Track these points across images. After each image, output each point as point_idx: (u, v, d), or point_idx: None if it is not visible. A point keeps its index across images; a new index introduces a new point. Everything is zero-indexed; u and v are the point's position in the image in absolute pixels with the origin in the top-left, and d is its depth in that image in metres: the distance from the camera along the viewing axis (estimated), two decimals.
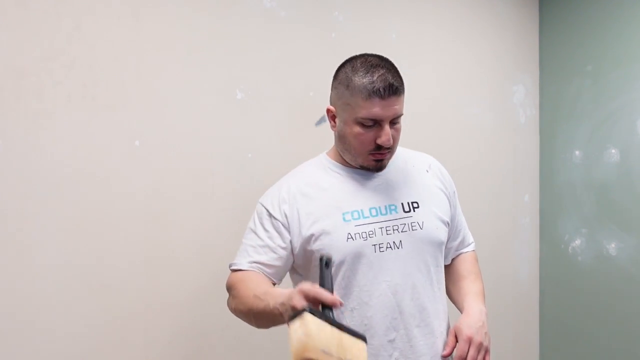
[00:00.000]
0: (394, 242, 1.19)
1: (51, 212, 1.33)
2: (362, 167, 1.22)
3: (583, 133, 2.38)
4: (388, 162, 1.23)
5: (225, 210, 1.62)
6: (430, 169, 1.33)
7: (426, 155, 1.39)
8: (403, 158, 1.30)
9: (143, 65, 1.46)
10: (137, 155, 1.46)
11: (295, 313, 0.87)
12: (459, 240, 1.38)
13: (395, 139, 1.18)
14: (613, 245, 2.28)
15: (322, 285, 0.95)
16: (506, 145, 2.43)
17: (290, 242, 1.20)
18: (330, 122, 1.24)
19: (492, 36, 2.36)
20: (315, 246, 1.17)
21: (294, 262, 1.23)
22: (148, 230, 1.48)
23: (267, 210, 1.22)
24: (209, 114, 1.58)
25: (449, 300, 1.34)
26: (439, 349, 1.22)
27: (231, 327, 1.63)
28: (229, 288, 1.22)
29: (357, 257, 1.17)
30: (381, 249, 1.18)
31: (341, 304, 0.94)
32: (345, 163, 1.25)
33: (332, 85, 1.22)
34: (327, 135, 1.83)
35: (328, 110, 1.23)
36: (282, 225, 1.20)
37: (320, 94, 1.82)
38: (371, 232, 1.18)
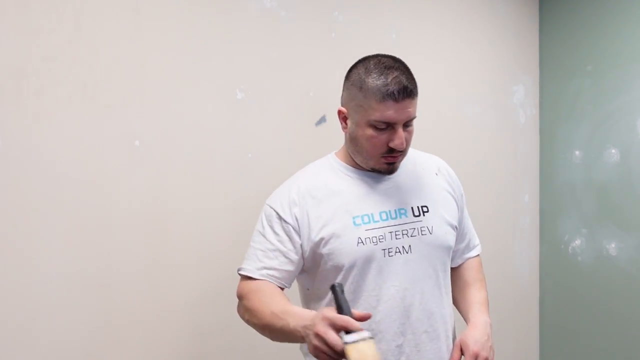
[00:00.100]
0: (403, 246, 1.18)
1: (51, 212, 1.33)
2: (373, 170, 1.21)
3: (583, 133, 2.38)
4: (399, 164, 1.22)
5: (225, 210, 1.62)
6: (439, 172, 1.32)
7: (435, 157, 1.38)
8: (412, 160, 1.29)
9: (143, 65, 1.46)
10: (137, 155, 1.46)
11: (355, 338, 0.91)
12: (465, 242, 1.38)
13: (407, 142, 1.16)
14: (613, 245, 2.28)
15: (340, 311, 0.96)
16: (506, 145, 2.43)
17: (301, 245, 1.18)
18: (341, 123, 1.21)
19: (492, 36, 2.36)
20: (325, 250, 1.16)
21: (303, 264, 1.21)
22: (148, 230, 1.48)
23: (277, 213, 1.20)
24: (209, 114, 1.58)
25: (454, 305, 1.34)
26: (444, 354, 1.22)
27: (231, 328, 1.63)
28: (241, 297, 1.20)
29: (367, 261, 1.16)
30: (390, 254, 1.17)
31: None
32: (355, 165, 1.23)
33: (344, 86, 1.20)
34: (327, 135, 1.84)
35: (339, 112, 1.20)
36: (293, 228, 1.18)
37: (320, 94, 1.82)
38: (381, 237, 1.17)
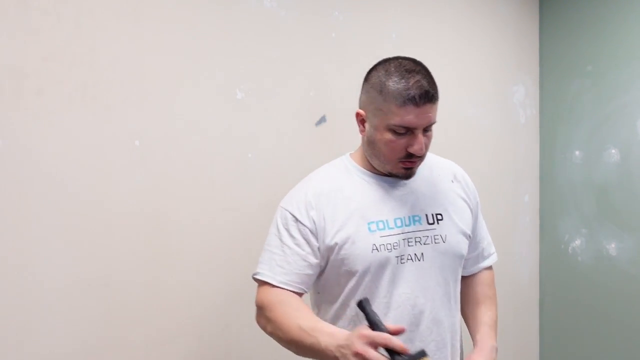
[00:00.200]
0: (415, 254, 1.17)
1: (51, 212, 1.33)
2: (390, 174, 1.19)
3: (583, 133, 2.38)
4: (417, 169, 1.19)
5: (225, 210, 1.62)
6: (455, 178, 1.30)
7: (451, 162, 1.36)
8: (429, 165, 1.26)
9: (143, 65, 1.46)
10: (137, 155, 1.46)
11: (411, 356, 0.92)
12: (478, 251, 1.36)
13: (426, 147, 1.14)
14: (613, 245, 2.28)
15: (374, 327, 0.95)
16: (506, 145, 2.43)
17: (318, 248, 1.16)
18: (358, 126, 1.19)
19: (492, 36, 2.36)
20: (339, 255, 1.15)
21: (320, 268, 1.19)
22: (148, 230, 1.48)
23: (294, 216, 1.17)
24: (209, 114, 1.58)
25: (462, 317, 1.33)
26: None
27: (231, 327, 1.63)
28: (262, 307, 1.16)
29: (380, 268, 1.14)
30: (402, 261, 1.16)
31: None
32: (371, 169, 1.21)
33: (363, 88, 1.17)
34: (327, 135, 1.84)
35: (357, 114, 1.18)
36: (310, 231, 1.15)
37: (320, 94, 1.82)
38: (395, 244, 1.15)
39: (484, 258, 1.38)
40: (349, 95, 1.90)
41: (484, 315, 1.30)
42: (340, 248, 1.14)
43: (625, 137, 2.24)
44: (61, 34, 1.34)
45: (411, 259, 1.16)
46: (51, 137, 1.33)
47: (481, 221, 1.36)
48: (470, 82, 2.28)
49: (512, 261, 2.47)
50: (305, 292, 1.18)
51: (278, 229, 1.18)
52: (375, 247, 1.14)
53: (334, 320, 1.19)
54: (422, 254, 1.17)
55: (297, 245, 1.15)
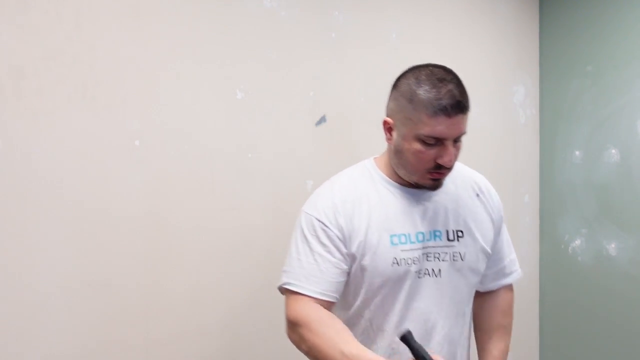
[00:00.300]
0: (432, 269, 1.16)
1: (51, 212, 1.33)
2: (417, 185, 1.15)
3: (583, 133, 2.38)
4: (444, 180, 1.16)
5: (225, 210, 1.62)
6: (480, 192, 1.27)
7: (476, 174, 1.32)
8: (453, 178, 1.23)
9: (143, 65, 1.46)
10: (137, 155, 1.46)
11: None
12: (499, 267, 1.32)
13: (455, 157, 1.11)
14: (613, 246, 2.28)
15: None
16: (506, 145, 2.43)
17: (347, 255, 1.13)
18: (385, 134, 1.16)
19: (492, 36, 2.36)
20: (360, 265, 1.13)
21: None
22: (148, 230, 1.48)
23: (322, 222, 1.13)
24: (209, 114, 1.58)
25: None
26: None
27: (231, 327, 1.63)
28: (296, 324, 1.10)
29: (398, 281, 1.13)
30: (420, 276, 1.15)
31: None
32: (396, 179, 1.18)
33: (391, 95, 1.14)
34: (327, 135, 1.84)
35: (385, 122, 1.15)
36: (339, 238, 1.12)
37: (320, 94, 1.82)
38: (416, 259, 1.14)
39: (505, 275, 1.33)
40: (349, 95, 1.90)
41: (495, 348, 1.28)
42: (362, 258, 1.12)
43: (625, 137, 2.24)
44: (61, 34, 1.34)
45: (428, 274, 1.15)
46: (51, 137, 1.33)
47: (504, 236, 1.32)
48: (470, 82, 2.25)
49: None
50: (337, 300, 1.14)
51: (305, 237, 1.14)
52: (396, 261, 1.12)
53: None
54: (439, 270, 1.16)
55: (329, 252, 1.11)
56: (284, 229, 1.74)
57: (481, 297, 1.32)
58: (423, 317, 1.15)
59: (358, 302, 1.17)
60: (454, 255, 1.17)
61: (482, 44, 2.32)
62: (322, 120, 1.82)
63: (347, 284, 1.16)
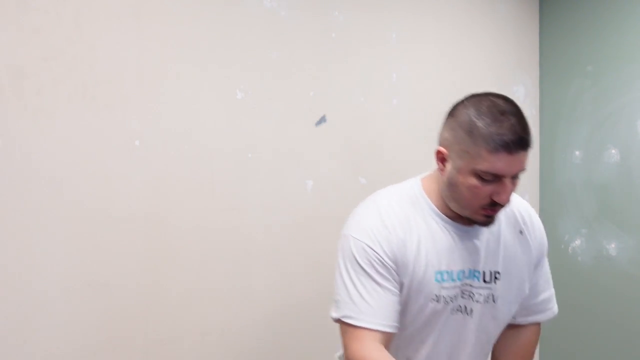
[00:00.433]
0: (465, 307, 1.14)
1: (51, 212, 1.33)
2: (468, 220, 1.09)
3: (583, 133, 2.38)
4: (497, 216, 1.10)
5: (225, 210, 1.62)
6: (525, 227, 1.20)
7: (522, 206, 1.23)
8: (499, 215, 1.14)
9: (143, 65, 1.46)
10: (137, 155, 1.46)
11: None
12: (532, 302, 1.25)
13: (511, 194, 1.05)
14: (613, 246, 2.28)
15: None
16: None
17: (399, 283, 1.09)
18: (438, 164, 1.09)
19: (492, 36, 2.36)
20: (402, 296, 1.10)
21: None
22: (148, 230, 1.48)
23: (376, 252, 1.06)
24: (209, 114, 1.58)
25: None
26: None
27: (232, 327, 1.63)
28: None
29: (434, 317, 1.12)
30: (453, 312, 1.13)
31: None
32: (446, 211, 1.11)
33: (447, 124, 1.08)
34: (327, 135, 1.84)
35: (438, 152, 1.07)
36: (393, 268, 1.07)
37: (320, 94, 1.82)
38: (453, 297, 1.12)
39: (535, 313, 1.27)
40: (348, 95, 1.90)
41: None
42: (407, 289, 1.09)
43: (625, 137, 2.24)
44: (61, 34, 1.34)
45: (461, 311, 1.14)
46: (51, 137, 1.33)
47: (544, 269, 1.26)
48: (470, 82, 2.27)
49: None
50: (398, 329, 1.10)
51: (360, 265, 1.06)
52: (436, 298, 1.10)
53: None
54: (471, 309, 1.14)
55: (386, 281, 1.06)
56: (284, 228, 1.74)
57: (505, 329, 1.25)
58: (446, 350, 1.14)
59: None
60: (487, 298, 1.14)
61: (482, 44, 2.32)
62: (322, 120, 1.82)
63: None
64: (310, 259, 1.79)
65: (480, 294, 1.14)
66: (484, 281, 1.14)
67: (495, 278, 1.14)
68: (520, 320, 1.26)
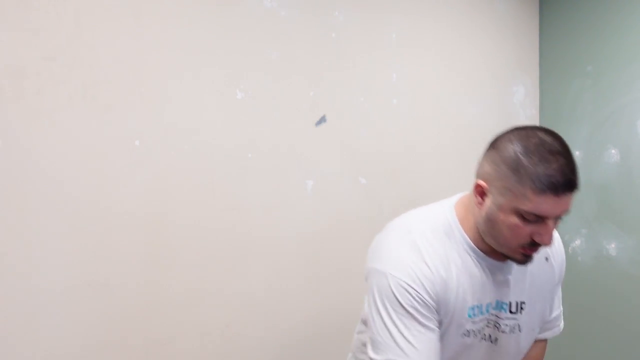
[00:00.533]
0: (490, 336, 1.13)
1: (51, 212, 1.33)
2: (502, 255, 1.06)
3: (583, 133, 2.38)
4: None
5: (225, 210, 1.62)
6: (550, 256, 1.19)
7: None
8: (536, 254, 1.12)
9: (143, 65, 1.47)
10: (137, 155, 1.46)
11: None
12: (545, 319, 1.26)
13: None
14: (613, 246, 2.28)
15: None
16: None
17: (438, 321, 1.06)
18: (475, 197, 1.04)
19: (492, 36, 2.36)
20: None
21: None
22: (147, 230, 1.48)
23: (419, 293, 1.02)
24: (209, 114, 1.59)
25: None
26: None
27: (232, 327, 1.63)
28: None
29: (464, 350, 1.11)
30: (479, 341, 1.13)
31: None
32: (482, 245, 1.07)
33: (490, 157, 1.02)
34: (327, 135, 1.84)
35: (477, 185, 1.03)
36: (435, 309, 1.04)
37: (320, 94, 1.82)
38: (482, 329, 1.11)
39: (545, 330, 1.27)
40: (348, 95, 1.90)
41: None
42: (444, 326, 1.07)
43: (625, 137, 2.24)
44: (61, 34, 1.34)
45: (485, 339, 1.13)
46: (51, 137, 1.33)
47: (558, 290, 1.28)
48: (470, 82, 2.27)
49: None
50: None
51: (403, 307, 1.01)
52: (466, 333, 1.09)
53: None
54: (496, 338, 1.14)
55: (430, 320, 1.03)
56: (284, 228, 1.74)
57: None
58: None
59: None
60: (513, 328, 1.14)
61: (482, 44, 2.32)
62: (322, 120, 1.82)
63: None
64: (310, 258, 1.80)
65: (507, 325, 1.12)
66: (510, 312, 1.12)
67: (521, 308, 1.13)
68: None
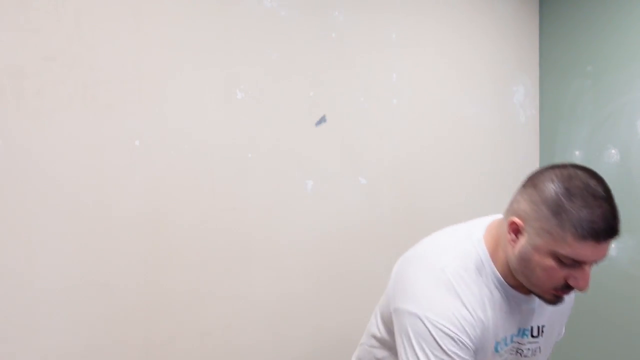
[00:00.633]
0: None
1: (51, 212, 1.33)
2: (534, 294, 1.04)
3: (583, 133, 2.38)
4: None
5: (225, 210, 1.62)
6: None
7: None
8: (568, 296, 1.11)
9: (143, 65, 1.46)
10: (137, 155, 1.46)
11: None
12: None
13: None
14: (613, 246, 2.28)
15: None
16: (506, 145, 2.43)
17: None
18: (509, 234, 1.00)
19: (492, 36, 2.36)
20: None
21: None
22: (147, 230, 1.48)
23: (460, 337, 0.99)
24: (209, 114, 1.59)
25: None
26: None
27: (232, 327, 1.63)
28: None
29: None
30: None
31: None
32: (510, 280, 1.05)
33: (527, 195, 0.98)
34: (327, 135, 1.84)
35: (512, 223, 0.99)
36: (473, 349, 1.01)
37: (320, 94, 1.82)
38: (506, 358, 1.11)
39: None
40: (349, 95, 1.90)
41: None
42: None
43: (625, 137, 2.24)
44: (61, 34, 1.34)
45: None
46: (51, 137, 1.33)
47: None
48: (470, 82, 2.27)
49: None
50: None
51: (444, 350, 0.98)
52: None
53: None
54: None
55: None
56: (284, 228, 1.74)
57: None
58: None
59: None
60: (533, 351, 1.14)
61: (482, 44, 2.32)
62: (322, 120, 1.82)
63: None
64: (310, 258, 1.80)
65: (529, 349, 1.12)
66: (532, 336, 1.11)
67: (542, 331, 1.12)
68: None
